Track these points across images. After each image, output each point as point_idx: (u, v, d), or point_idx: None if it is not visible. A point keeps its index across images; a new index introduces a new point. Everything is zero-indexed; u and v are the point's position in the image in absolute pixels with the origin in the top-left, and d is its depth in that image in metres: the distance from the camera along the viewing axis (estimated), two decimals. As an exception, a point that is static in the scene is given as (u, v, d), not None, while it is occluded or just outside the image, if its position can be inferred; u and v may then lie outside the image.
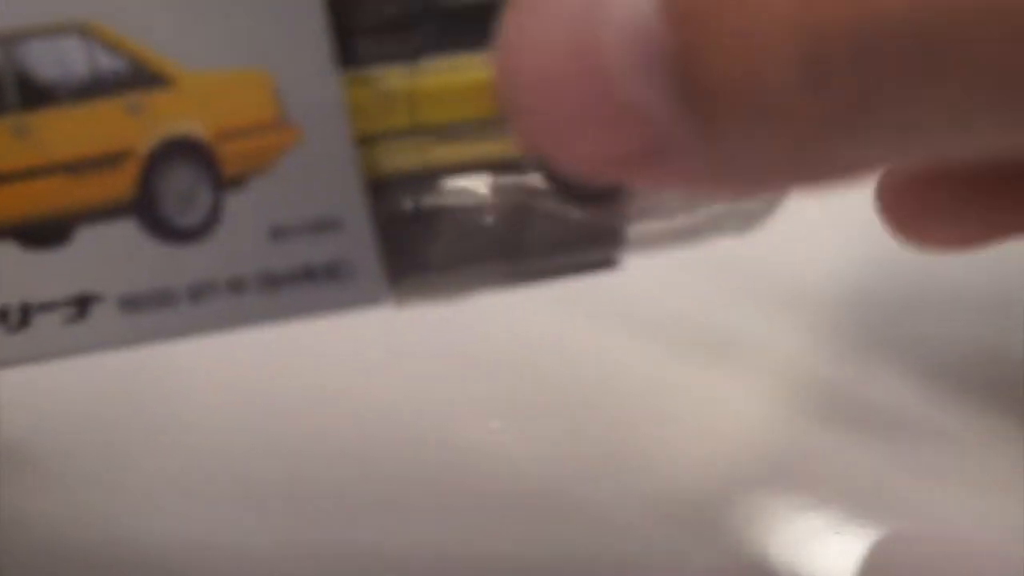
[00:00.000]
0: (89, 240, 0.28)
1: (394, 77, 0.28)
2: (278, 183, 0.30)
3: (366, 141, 0.29)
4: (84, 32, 0.28)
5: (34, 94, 0.28)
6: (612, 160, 0.25)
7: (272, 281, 0.30)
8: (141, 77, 0.28)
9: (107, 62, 0.28)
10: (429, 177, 0.29)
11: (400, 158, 0.29)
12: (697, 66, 0.23)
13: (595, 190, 0.29)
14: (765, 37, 0.23)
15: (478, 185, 0.30)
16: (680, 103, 0.24)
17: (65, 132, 0.28)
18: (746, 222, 0.30)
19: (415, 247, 0.30)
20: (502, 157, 0.29)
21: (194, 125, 0.29)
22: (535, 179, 0.29)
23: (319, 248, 0.30)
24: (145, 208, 0.29)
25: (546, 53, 0.25)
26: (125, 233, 0.28)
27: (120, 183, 0.28)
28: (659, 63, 0.24)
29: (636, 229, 0.30)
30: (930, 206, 0.34)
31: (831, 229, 0.40)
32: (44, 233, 0.28)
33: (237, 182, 0.29)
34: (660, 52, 0.23)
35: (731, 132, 0.24)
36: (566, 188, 0.29)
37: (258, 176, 0.30)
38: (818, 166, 0.25)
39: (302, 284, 0.30)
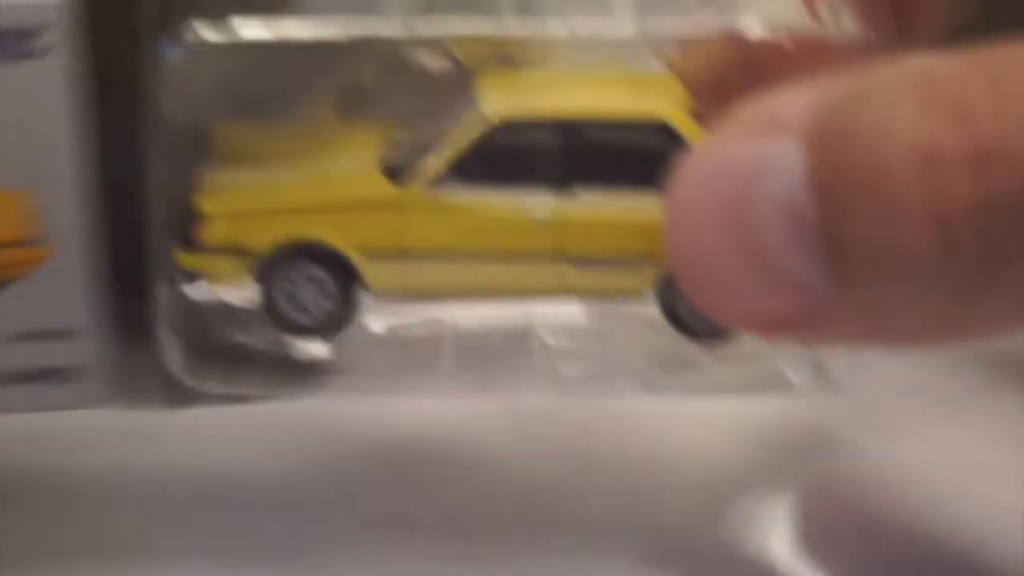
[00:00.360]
0: None
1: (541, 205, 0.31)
2: (28, 292, 0.33)
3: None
4: None
5: None
6: (770, 321, 0.27)
7: (7, 378, 0.33)
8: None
9: None
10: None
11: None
12: (842, 241, 0.26)
13: (707, 329, 0.32)
14: (900, 216, 0.25)
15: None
16: (829, 272, 0.26)
17: None
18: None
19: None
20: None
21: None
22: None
23: (52, 353, 0.33)
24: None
25: (709, 229, 0.27)
26: None
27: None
28: (808, 237, 0.26)
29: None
30: None
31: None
32: None
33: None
34: (809, 227, 0.26)
35: (875, 297, 0.26)
36: (682, 325, 0.32)
37: (13, 284, 0.33)
38: (954, 327, 0.27)
39: (32, 384, 0.33)
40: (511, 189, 0.31)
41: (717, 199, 0.28)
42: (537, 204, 0.31)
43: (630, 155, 0.31)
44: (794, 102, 0.28)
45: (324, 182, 0.31)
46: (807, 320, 0.27)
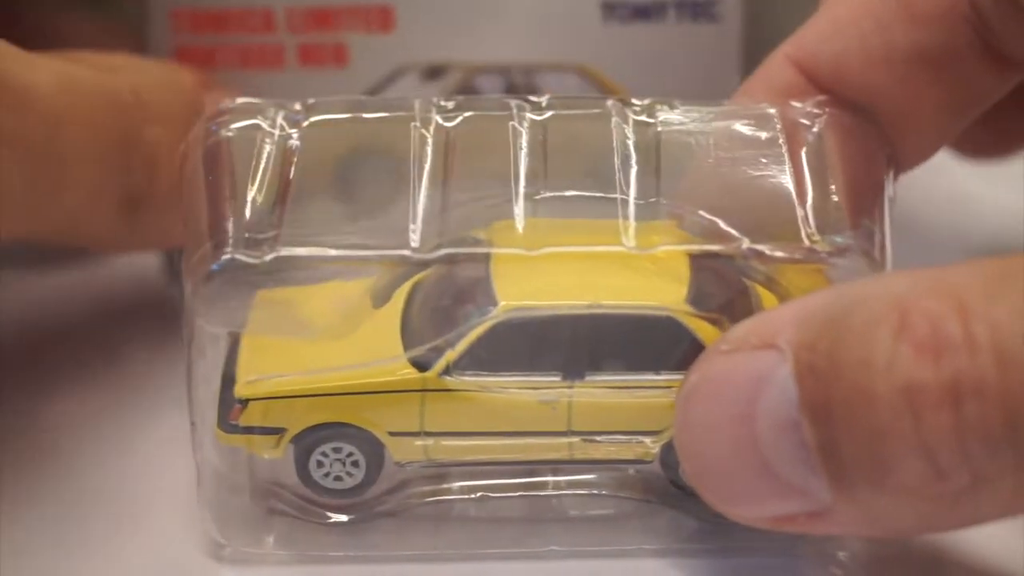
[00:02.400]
0: None
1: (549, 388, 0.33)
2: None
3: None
4: None
5: None
6: (777, 520, 0.30)
7: None
8: None
9: None
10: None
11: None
12: (838, 458, 0.29)
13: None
14: (888, 444, 0.28)
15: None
16: (828, 483, 0.29)
17: None
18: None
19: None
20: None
21: None
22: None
23: None
24: None
25: (717, 442, 0.30)
26: None
27: None
28: (807, 451, 0.29)
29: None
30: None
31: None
32: None
33: None
34: (807, 443, 0.29)
35: (871, 503, 0.29)
36: (685, 489, 0.34)
37: None
38: (945, 525, 0.31)
39: None
40: (521, 374, 0.33)
41: (723, 415, 0.30)
42: (546, 387, 0.33)
43: (637, 344, 0.33)
44: (786, 319, 0.30)
45: (355, 371, 0.33)
46: (811, 519, 0.30)
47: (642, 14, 0.41)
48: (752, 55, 0.41)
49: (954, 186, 0.48)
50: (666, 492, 0.34)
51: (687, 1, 0.41)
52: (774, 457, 0.30)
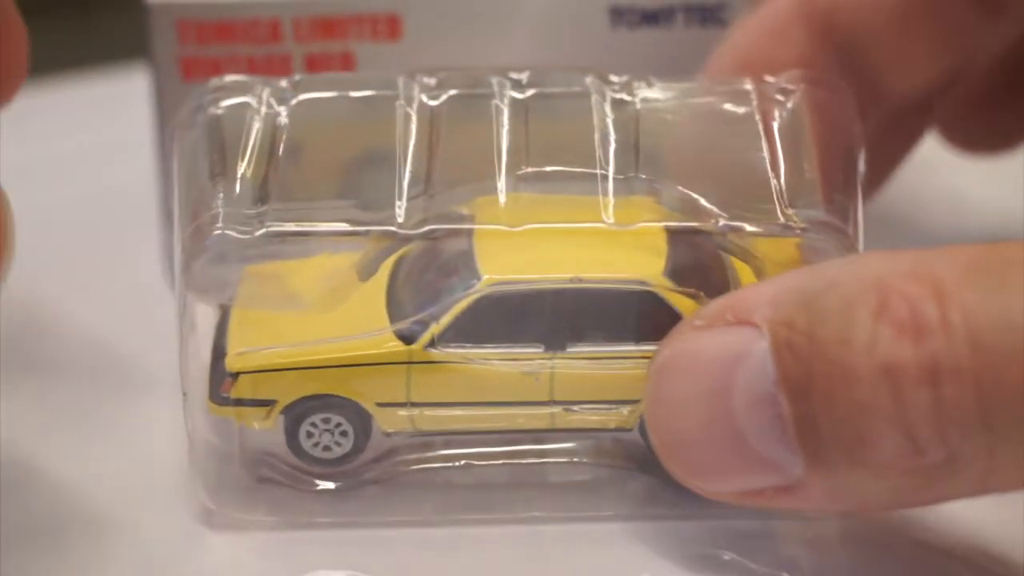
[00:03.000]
0: None
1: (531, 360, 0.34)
2: None
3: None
4: None
5: None
6: (748, 495, 0.31)
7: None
8: None
9: None
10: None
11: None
12: (815, 433, 0.29)
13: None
14: (867, 420, 0.29)
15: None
16: (804, 458, 0.30)
17: None
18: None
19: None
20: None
21: None
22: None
23: None
24: None
25: (690, 417, 0.31)
26: None
27: None
28: (783, 426, 0.30)
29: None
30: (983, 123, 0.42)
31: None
32: None
33: None
34: (783, 418, 0.30)
35: (843, 479, 0.30)
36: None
37: None
38: (918, 500, 0.31)
39: None
40: (504, 346, 0.34)
41: (696, 390, 0.31)
42: (528, 359, 0.34)
43: (616, 317, 0.34)
44: (764, 296, 0.31)
45: (343, 343, 0.34)
46: (782, 494, 0.31)
47: (650, 19, 0.41)
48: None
49: (947, 184, 0.48)
50: (645, 459, 0.35)
51: (695, 6, 0.41)
52: (749, 432, 0.30)
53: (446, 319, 0.34)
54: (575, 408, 0.35)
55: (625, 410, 0.35)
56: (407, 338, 0.34)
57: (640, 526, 0.35)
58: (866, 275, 0.30)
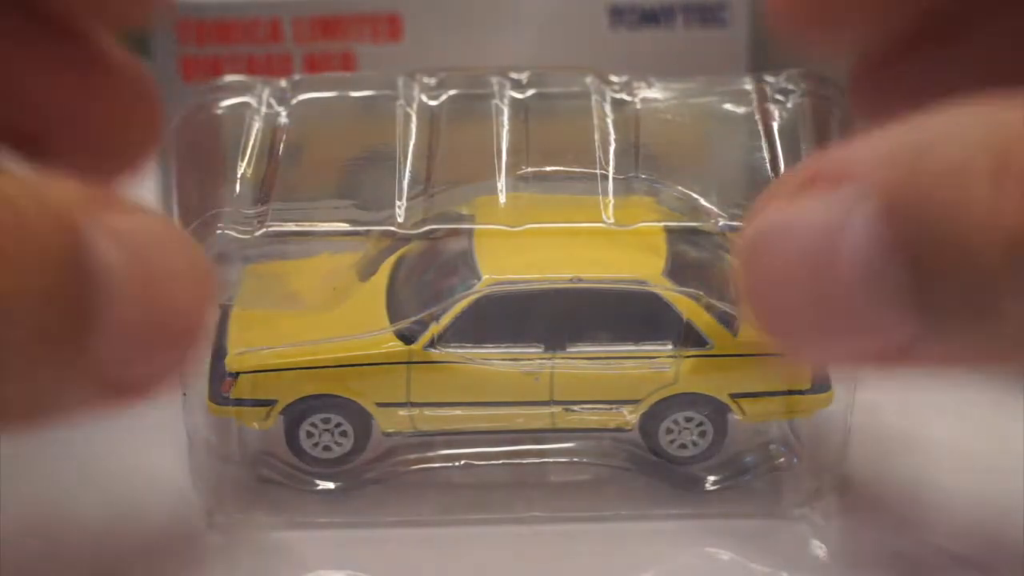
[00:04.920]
0: None
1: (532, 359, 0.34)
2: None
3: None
4: None
5: None
6: (860, 357, 0.28)
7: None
8: None
9: None
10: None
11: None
12: (932, 300, 0.26)
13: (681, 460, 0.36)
14: (991, 296, 0.26)
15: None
16: (920, 321, 0.27)
17: None
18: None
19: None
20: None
21: None
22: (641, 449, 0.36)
23: None
24: None
25: (795, 284, 0.28)
26: None
27: None
28: (897, 292, 0.27)
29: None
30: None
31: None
32: None
33: None
34: (897, 284, 0.27)
35: (964, 342, 0.27)
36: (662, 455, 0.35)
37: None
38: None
39: None
40: (504, 346, 0.34)
41: (799, 265, 0.28)
42: (528, 359, 0.34)
43: (616, 316, 0.34)
44: (862, 156, 0.28)
45: (343, 343, 0.34)
46: (896, 356, 0.28)
47: (650, 19, 0.41)
48: (760, 60, 0.42)
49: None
50: (644, 460, 0.35)
51: (695, 6, 0.42)
52: (861, 302, 0.27)
53: (446, 319, 0.34)
54: (575, 408, 0.35)
55: (625, 410, 0.35)
56: (407, 338, 0.34)
57: (640, 526, 0.35)
58: (982, 128, 0.27)
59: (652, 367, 0.34)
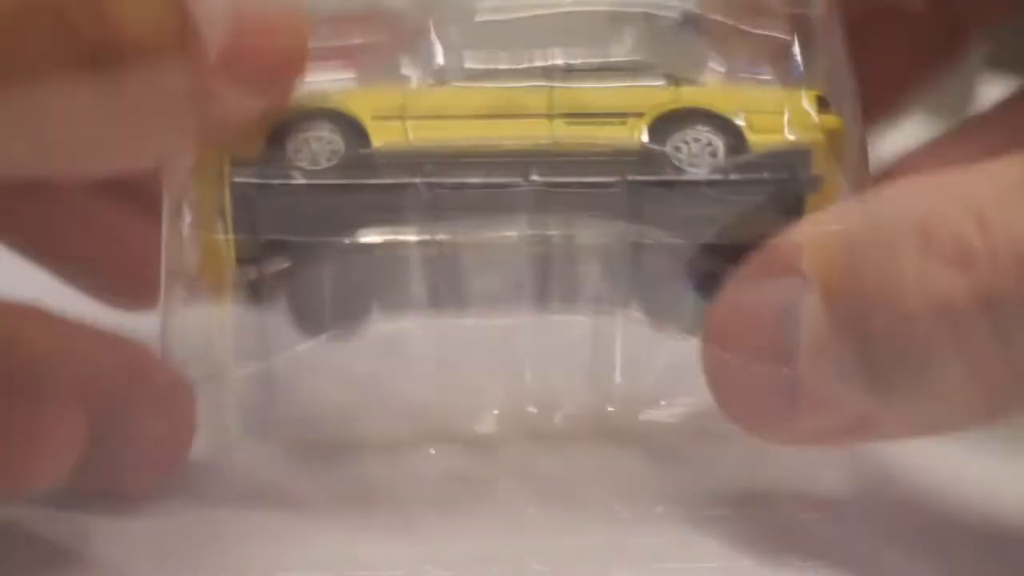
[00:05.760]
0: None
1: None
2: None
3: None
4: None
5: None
6: (823, 435, 0.31)
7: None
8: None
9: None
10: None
11: None
12: (881, 375, 0.29)
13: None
14: (934, 359, 0.29)
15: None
16: (873, 396, 0.30)
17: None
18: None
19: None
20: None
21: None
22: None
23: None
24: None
25: (751, 378, 0.30)
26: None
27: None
28: (847, 371, 0.29)
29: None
30: None
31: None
32: None
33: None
34: (846, 363, 0.29)
35: (914, 410, 0.30)
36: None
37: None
38: (989, 420, 0.30)
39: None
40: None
41: (754, 351, 0.31)
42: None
43: None
44: (808, 242, 0.31)
45: None
46: (854, 432, 0.31)
47: None
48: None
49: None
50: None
51: None
52: (814, 382, 0.30)
53: None
54: (576, 120, 0.33)
55: (629, 120, 0.33)
56: None
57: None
58: (908, 211, 0.30)
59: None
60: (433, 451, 0.35)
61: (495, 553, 0.32)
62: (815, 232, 0.30)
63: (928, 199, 0.29)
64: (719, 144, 0.33)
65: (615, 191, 0.33)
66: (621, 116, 0.33)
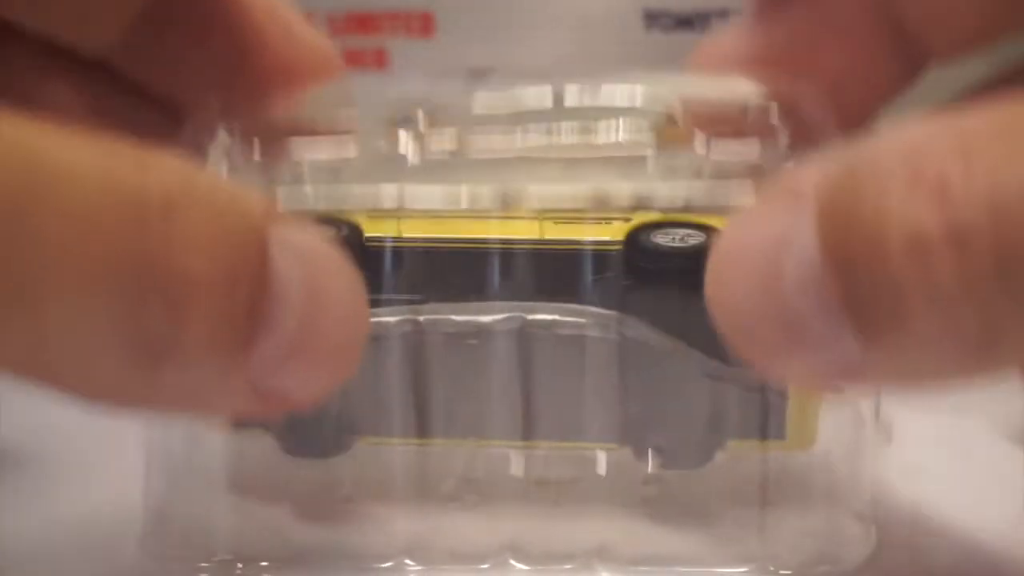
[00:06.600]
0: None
1: None
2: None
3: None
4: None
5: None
6: (813, 375, 0.30)
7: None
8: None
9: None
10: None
11: None
12: (863, 309, 0.28)
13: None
14: (903, 294, 0.28)
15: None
16: (857, 335, 0.28)
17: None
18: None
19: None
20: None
21: None
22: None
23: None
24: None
25: (746, 299, 0.30)
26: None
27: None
28: (833, 306, 0.28)
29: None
30: None
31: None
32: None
33: None
34: (833, 297, 0.28)
35: (896, 354, 0.28)
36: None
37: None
38: (965, 373, 0.29)
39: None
40: None
41: (750, 273, 0.30)
42: None
43: None
44: (806, 176, 0.30)
45: None
46: (845, 374, 0.30)
47: (685, 23, 0.42)
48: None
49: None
50: None
51: (730, 10, 0.42)
52: (802, 311, 0.29)
53: None
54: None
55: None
56: None
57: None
58: (904, 141, 0.29)
59: None
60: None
61: None
62: (818, 162, 0.29)
63: (923, 133, 0.28)
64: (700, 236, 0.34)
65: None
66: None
